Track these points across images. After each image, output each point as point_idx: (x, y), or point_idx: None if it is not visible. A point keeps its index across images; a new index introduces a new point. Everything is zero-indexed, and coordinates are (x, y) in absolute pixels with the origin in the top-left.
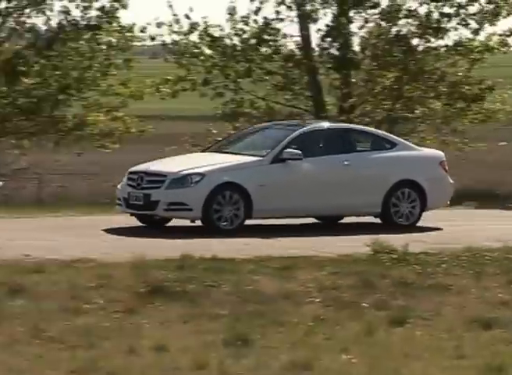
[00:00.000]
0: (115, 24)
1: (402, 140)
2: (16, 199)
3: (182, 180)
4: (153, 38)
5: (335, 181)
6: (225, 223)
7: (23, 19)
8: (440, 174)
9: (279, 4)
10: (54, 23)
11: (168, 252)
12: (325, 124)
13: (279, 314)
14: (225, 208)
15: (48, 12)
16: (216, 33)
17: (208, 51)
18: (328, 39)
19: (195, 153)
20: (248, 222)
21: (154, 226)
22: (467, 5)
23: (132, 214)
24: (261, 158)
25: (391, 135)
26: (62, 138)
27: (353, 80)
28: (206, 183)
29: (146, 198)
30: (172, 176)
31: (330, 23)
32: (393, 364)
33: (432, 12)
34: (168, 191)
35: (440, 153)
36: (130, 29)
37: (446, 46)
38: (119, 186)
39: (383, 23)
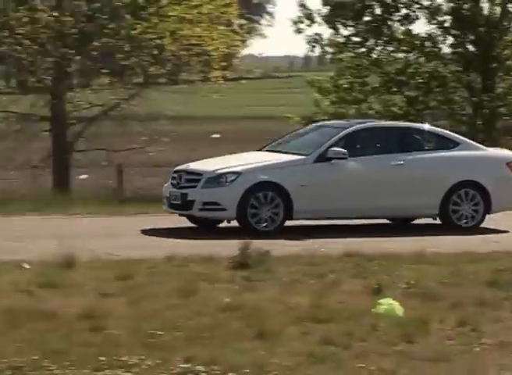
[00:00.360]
0: None
1: (466, 139)
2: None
3: (217, 179)
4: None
5: (384, 181)
6: (264, 224)
7: None
8: (507, 175)
9: None
10: None
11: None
12: (380, 123)
13: None
14: (263, 208)
15: None
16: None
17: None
18: None
19: (248, 152)
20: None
21: (206, 227)
22: None
23: (181, 214)
24: (303, 157)
25: (454, 134)
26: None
27: None
28: (241, 182)
29: (183, 197)
30: (208, 175)
31: None
32: None
33: None
34: (204, 191)
35: (509, 153)
36: None
37: None
38: (165, 185)
39: None
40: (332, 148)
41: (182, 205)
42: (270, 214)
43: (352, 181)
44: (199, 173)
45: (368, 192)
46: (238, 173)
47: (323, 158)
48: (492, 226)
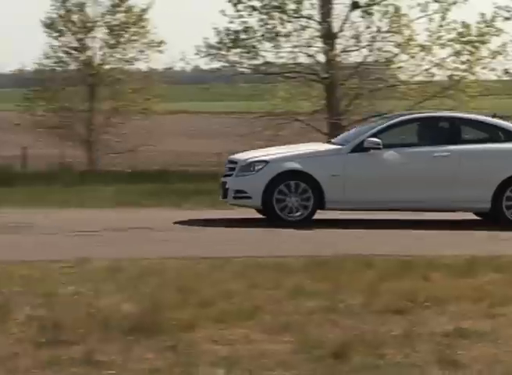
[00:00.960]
0: None
1: None
2: None
3: (247, 168)
4: None
5: (425, 174)
6: (292, 214)
7: None
8: None
9: None
10: None
11: None
12: (428, 114)
13: None
14: (291, 197)
15: None
16: None
17: None
18: None
19: (309, 143)
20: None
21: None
22: None
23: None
24: (339, 147)
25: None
26: None
27: None
28: (267, 170)
29: (223, 185)
30: (241, 164)
31: None
32: None
33: None
34: (236, 179)
35: None
36: None
37: None
38: None
39: None
40: (369, 139)
41: (223, 194)
42: (298, 204)
43: (389, 172)
44: (236, 162)
45: (404, 184)
46: (266, 162)
47: (360, 148)
48: None
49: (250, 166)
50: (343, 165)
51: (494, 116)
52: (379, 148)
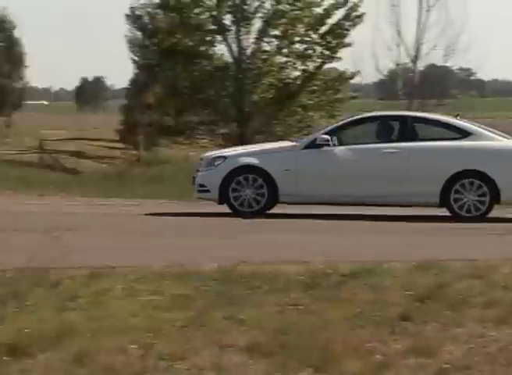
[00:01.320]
0: None
1: (481, 130)
2: None
3: (209, 163)
4: None
5: (376, 170)
6: (250, 207)
7: None
8: None
9: None
10: None
11: None
12: (379, 113)
13: None
14: (246, 190)
15: None
16: None
17: None
18: None
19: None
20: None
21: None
22: None
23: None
24: (294, 144)
25: (466, 124)
26: None
27: None
28: (225, 165)
29: (193, 180)
30: (205, 160)
31: None
32: None
33: None
34: (200, 174)
35: None
36: None
37: None
38: None
39: None
40: (321, 136)
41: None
42: (253, 196)
43: (339, 168)
44: (202, 158)
45: (354, 179)
46: (224, 157)
47: (313, 145)
48: None
49: (211, 162)
50: (296, 160)
51: (457, 116)
52: (329, 145)
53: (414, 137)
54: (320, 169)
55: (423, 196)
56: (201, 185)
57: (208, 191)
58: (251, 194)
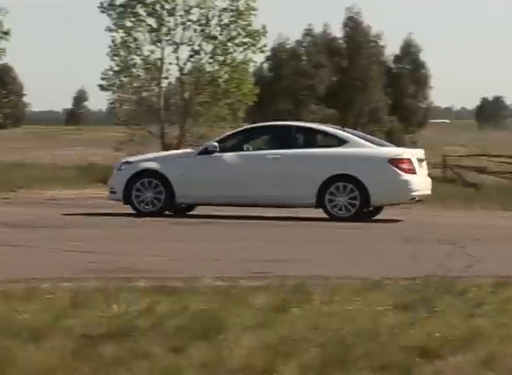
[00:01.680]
0: None
1: (356, 138)
2: None
3: (118, 168)
4: None
5: (260, 174)
6: (147, 207)
7: None
8: (387, 171)
9: None
10: None
11: None
12: (266, 123)
13: None
14: (146, 192)
15: None
16: None
17: None
18: None
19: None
20: None
21: (177, 213)
22: None
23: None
24: (190, 150)
25: (343, 132)
26: None
27: None
28: (129, 170)
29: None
30: (117, 165)
31: None
32: None
33: None
34: (112, 177)
35: (394, 151)
36: None
37: None
38: None
39: None
40: (211, 143)
41: None
42: (153, 198)
43: (228, 172)
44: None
45: (242, 182)
46: (129, 163)
47: (206, 151)
48: None
49: (119, 166)
50: (190, 166)
51: (343, 128)
52: (217, 151)
53: (296, 145)
54: (210, 173)
55: (302, 198)
56: (111, 188)
57: (115, 192)
58: (151, 196)
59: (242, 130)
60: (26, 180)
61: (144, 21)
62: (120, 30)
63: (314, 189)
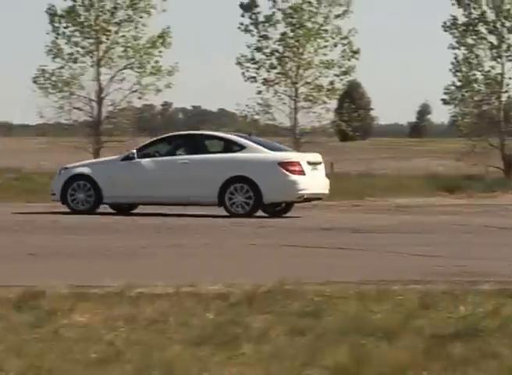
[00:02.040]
0: None
1: (253, 144)
2: None
3: (59, 172)
4: None
5: (171, 176)
6: (80, 206)
7: None
8: (276, 173)
9: None
10: None
11: None
12: (178, 133)
13: None
14: (80, 193)
15: None
16: None
17: None
18: None
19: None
20: None
21: (121, 213)
22: None
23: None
24: (117, 157)
25: (242, 139)
26: None
27: None
28: (65, 174)
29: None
30: (58, 170)
31: None
32: None
33: None
34: (52, 181)
35: (284, 156)
36: None
37: None
38: None
39: None
40: (132, 151)
41: None
42: (85, 198)
43: (145, 175)
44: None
45: (156, 184)
46: (66, 168)
47: (128, 157)
48: None
49: (59, 172)
50: (115, 170)
51: (249, 134)
52: (136, 158)
53: (202, 151)
54: (130, 177)
55: (206, 197)
56: (52, 190)
57: (54, 194)
58: (83, 197)
59: (158, 139)
60: (373, 188)
61: (485, 38)
62: (462, 48)
63: (215, 189)
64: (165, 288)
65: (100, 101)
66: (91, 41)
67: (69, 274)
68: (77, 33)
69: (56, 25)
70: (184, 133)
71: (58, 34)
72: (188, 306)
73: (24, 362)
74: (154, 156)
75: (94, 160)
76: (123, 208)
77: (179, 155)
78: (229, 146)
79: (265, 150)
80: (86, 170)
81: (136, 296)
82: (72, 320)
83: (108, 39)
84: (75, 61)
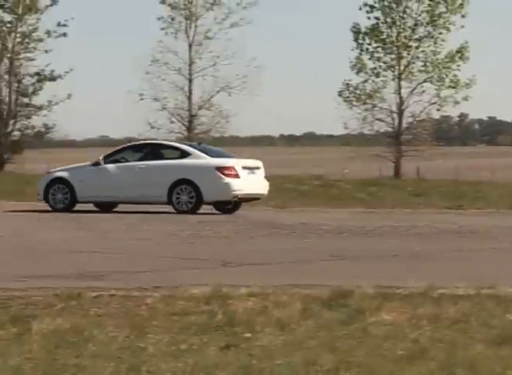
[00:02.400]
0: None
1: (197, 151)
2: None
3: (43, 176)
4: None
5: (130, 179)
6: (60, 205)
7: None
8: (214, 176)
9: None
10: None
11: None
12: (139, 142)
13: None
14: (58, 194)
15: None
16: None
17: None
18: None
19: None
20: None
21: (104, 210)
22: None
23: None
24: (88, 163)
25: (187, 147)
26: None
27: None
28: (47, 177)
29: None
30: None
31: None
32: None
33: None
34: (38, 184)
35: (221, 161)
36: None
37: None
38: None
39: None
40: (100, 158)
41: None
42: (63, 198)
43: (110, 179)
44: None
45: (119, 186)
46: (49, 172)
47: (97, 163)
48: None
49: (44, 176)
50: (86, 174)
51: (199, 144)
52: (102, 164)
53: (156, 157)
54: (98, 180)
55: (158, 197)
56: (38, 192)
57: (39, 194)
58: (61, 197)
59: (122, 148)
60: None
61: None
62: None
63: (165, 190)
64: (466, 290)
65: (400, 112)
66: (393, 56)
67: (373, 275)
68: (380, 49)
69: (360, 42)
70: (143, 143)
71: (362, 50)
72: (489, 307)
73: (336, 358)
74: (118, 162)
75: (70, 166)
76: (105, 206)
77: (137, 161)
78: (179, 153)
79: (207, 157)
80: (64, 174)
81: (438, 297)
82: (379, 318)
83: (408, 54)
84: (377, 75)
